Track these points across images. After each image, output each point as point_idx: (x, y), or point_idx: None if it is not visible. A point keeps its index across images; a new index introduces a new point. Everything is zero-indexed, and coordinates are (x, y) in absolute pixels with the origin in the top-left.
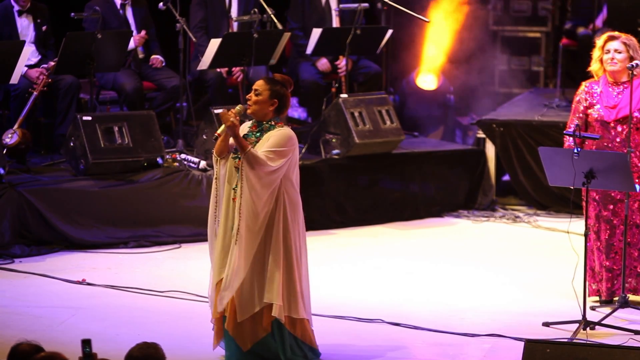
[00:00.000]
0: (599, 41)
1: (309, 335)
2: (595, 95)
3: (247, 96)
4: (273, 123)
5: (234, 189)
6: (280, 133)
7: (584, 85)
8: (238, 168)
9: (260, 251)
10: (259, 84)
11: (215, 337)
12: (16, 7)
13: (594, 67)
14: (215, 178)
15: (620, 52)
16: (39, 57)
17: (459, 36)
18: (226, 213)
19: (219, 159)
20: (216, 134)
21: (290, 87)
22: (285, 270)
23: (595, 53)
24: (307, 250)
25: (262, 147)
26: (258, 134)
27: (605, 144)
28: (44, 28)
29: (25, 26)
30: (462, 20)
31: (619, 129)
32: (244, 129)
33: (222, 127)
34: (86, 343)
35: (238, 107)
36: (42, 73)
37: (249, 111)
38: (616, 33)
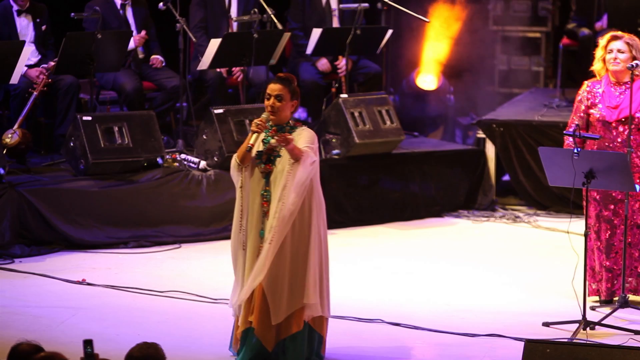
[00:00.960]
0: (602, 40)
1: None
2: (597, 95)
3: (267, 103)
4: (292, 124)
5: (262, 194)
6: (306, 132)
7: (585, 85)
8: (265, 173)
9: (294, 252)
10: (278, 89)
11: (235, 342)
12: (15, 7)
13: (597, 66)
14: (240, 187)
15: (623, 52)
16: (39, 56)
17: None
18: (256, 219)
19: (243, 167)
20: (250, 145)
21: (296, 82)
22: (320, 270)
23: (598, 52)
24: None
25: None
26: None
27: (607, 144)
28: (43, 28)
29: (24, 26)
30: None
31: (621, 129)
32: (262, 135)
33: (255, 136)
34: (88, 343)
35: (264, 115)
36: (42, 72)
37: (272, 117)
38: (619, 33)
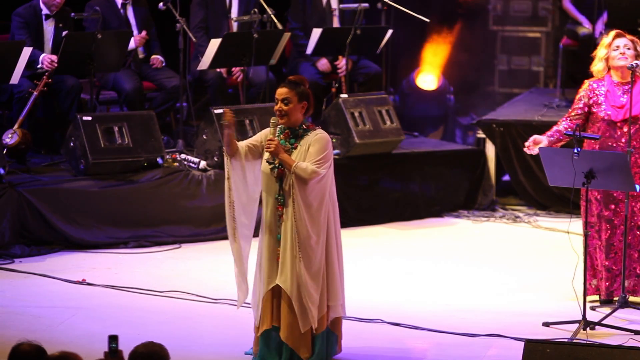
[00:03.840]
0: (606, 39)
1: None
2: (601, 94)
3: (275, 108)
4: (305, 127)
5: (276, 198)
6: (319, 138)
7: (587, 84)
8: (277, 178)
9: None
10: (284, 93)
11: (255, 344)
12: (45, 11)
13: (599, 66)
14: (227, 178)
15: (629, 49)
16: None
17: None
18: (271, 222)
19: (229, 158)
20: (266, 160)
21: (307, 84)
22: (339, 271)
23: (601, 51)
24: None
25: (306, 157)
26: (293, 141)
27: (610, 143)
28: (63, 34)
29: (49, 30)
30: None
31: (625, 129)
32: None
33: (268, 157)
34: (113, 339)
35: (273, 121)
36: (51, 62)
37: (281, 121)
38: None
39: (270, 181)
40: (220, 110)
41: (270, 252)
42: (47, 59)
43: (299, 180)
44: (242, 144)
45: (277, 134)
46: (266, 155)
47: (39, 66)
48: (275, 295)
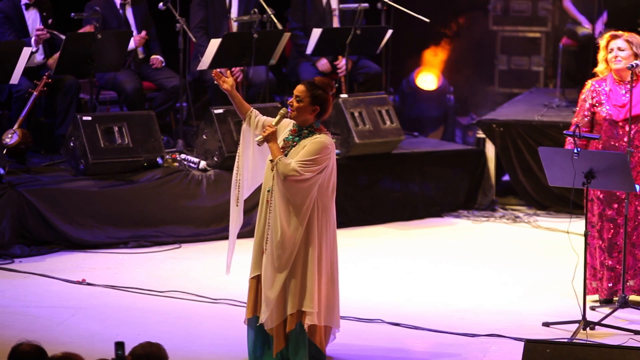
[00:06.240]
0: (602, 41)
1: (322, 339)
2: (603, 93)
3: (288, 101)
4: (312, 129)
5: (268, 191)
6: (315, 142)
7: (589, 84)
8: (273, 169)
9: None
10: (300, 90)
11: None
12: (24, 0)
13: (600, 67)
14: (239, 146)
15: (623, 50)
16: (43, 55)
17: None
18: (260, 214)
19: (243, 123)
20: (256, 140)
21: (332, 90)
22: (320, 277)
23: (600, 54)
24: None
25: (296, 156)
26: (297, 139)
27: (613, 142)
28: (49, 21)
29: (32, 20)
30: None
31: (627, 128)
32: (286, 132)
33: (259, 138)
34: (119, 345)
35: (282, 111)
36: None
37: (290, 116)
38: (619, 32)
39: (268, 172)
40: (221, 110)
41: (258, 241)
42: (37, 33)
43: (278, 173)
44: (260, 118)
45: (291, 127)
46: (258, 138)
47: (34, 49)
48: (259, 284)
